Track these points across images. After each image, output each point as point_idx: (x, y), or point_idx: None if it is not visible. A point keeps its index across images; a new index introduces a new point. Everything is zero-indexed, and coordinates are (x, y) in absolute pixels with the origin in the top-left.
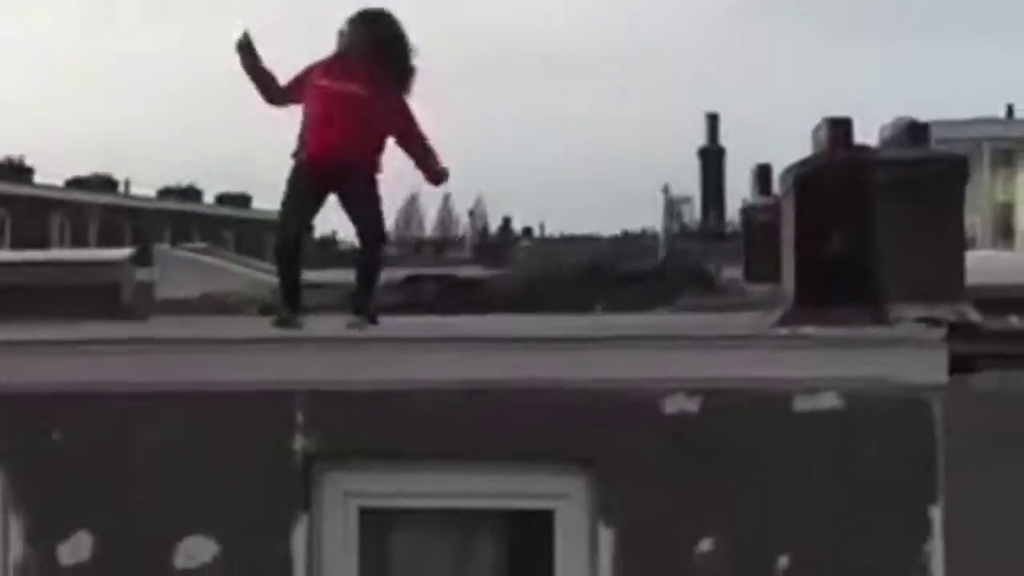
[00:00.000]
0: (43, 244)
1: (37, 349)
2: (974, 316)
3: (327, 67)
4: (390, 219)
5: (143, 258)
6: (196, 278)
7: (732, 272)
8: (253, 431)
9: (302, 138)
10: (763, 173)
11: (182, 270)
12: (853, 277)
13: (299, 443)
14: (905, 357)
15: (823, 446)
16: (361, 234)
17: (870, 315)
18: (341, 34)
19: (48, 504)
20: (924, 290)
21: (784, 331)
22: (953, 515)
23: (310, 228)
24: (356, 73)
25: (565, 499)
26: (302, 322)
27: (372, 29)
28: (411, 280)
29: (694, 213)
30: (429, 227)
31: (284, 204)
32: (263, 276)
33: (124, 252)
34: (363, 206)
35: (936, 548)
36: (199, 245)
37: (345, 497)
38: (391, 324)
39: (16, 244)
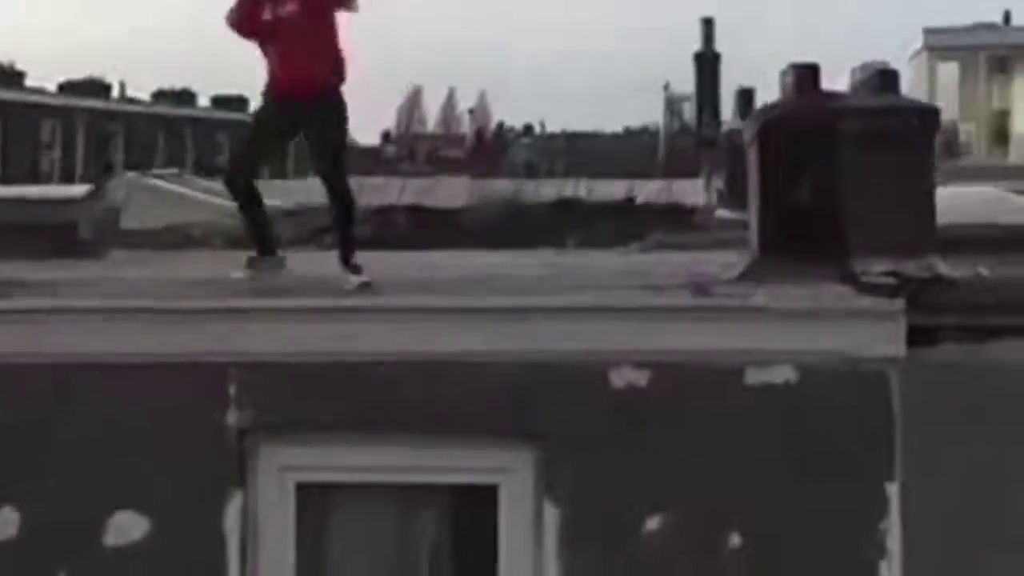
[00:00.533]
0: (34, 150)
1: None
2: (942, 269)
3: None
4: (391, 116)
5: (109, 175)
6: (162, 208)
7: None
8: (184, 404)
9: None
10: (745, 96)
11: (148, 199)
12: (818, 229)
13: (232, 416)
14: (862, 329)
15: (776, 421)
16: (323, 178)
17: (835, 268)
18: None
19: None
20: (891, 243)
21: (736, 303)
22: (911, 492)
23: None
24: None
25: (509, 474)
26: (280, 261)
27: None
28: (380, 212)
29: (694, 111)
30: (431, 123)
31: (247, 144)
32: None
33: (81, 189)
34: (328, 148)
35: (893, 525)
36: (169, 171)
37: (281, 472)
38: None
39: (7, 151)
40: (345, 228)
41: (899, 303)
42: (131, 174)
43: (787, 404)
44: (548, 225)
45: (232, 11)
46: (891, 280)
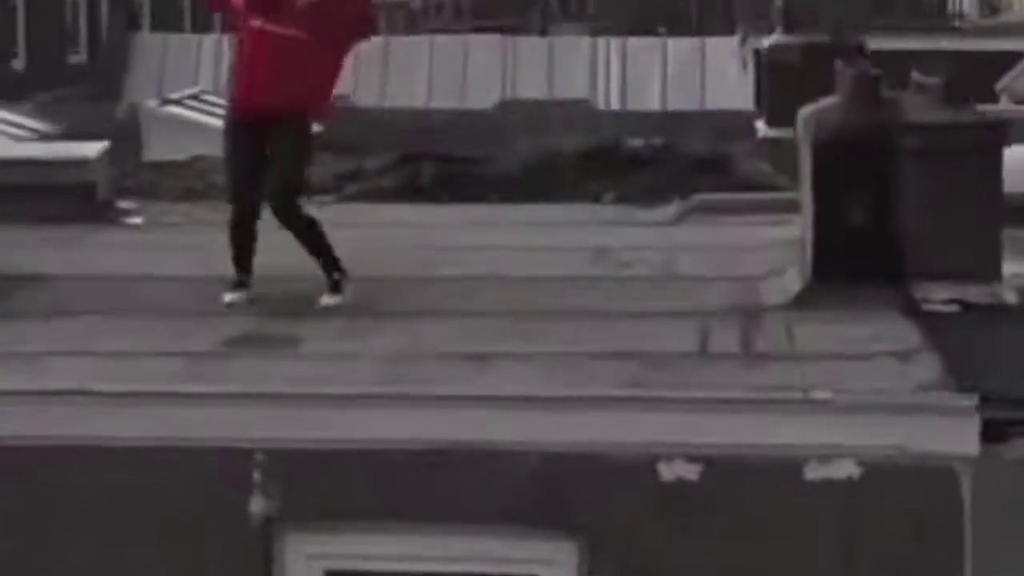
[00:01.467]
0: (58, 19)
1: None
2: (1009, 298)
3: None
4: None
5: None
6: (183, 138)
7: None
8: (207, 491)
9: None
10: (788, 8)
11: (169, 129)
12: (876, 252)
13: (257, 504)
14: (931, 424)
15: (836, 519)
16: (270, 194)
17: (894, 295)
18: None
19: None
20: (954, 268)
21: (797, 395)
22: None
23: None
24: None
25: (550, 566)
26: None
27: None
28: (406, 161)
29: None
30: None
31: (228, 165)
32: None
33: (98, 147)
34: (277, 164)
35: None
36: (188, 93)
37: (308, 560)
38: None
39: (31, 21)
40: (309, 245)
41: (973, 398)
42: (149, 104)
43: (849, 502)
44: (582, 175)
45: None
46: (954, 307)
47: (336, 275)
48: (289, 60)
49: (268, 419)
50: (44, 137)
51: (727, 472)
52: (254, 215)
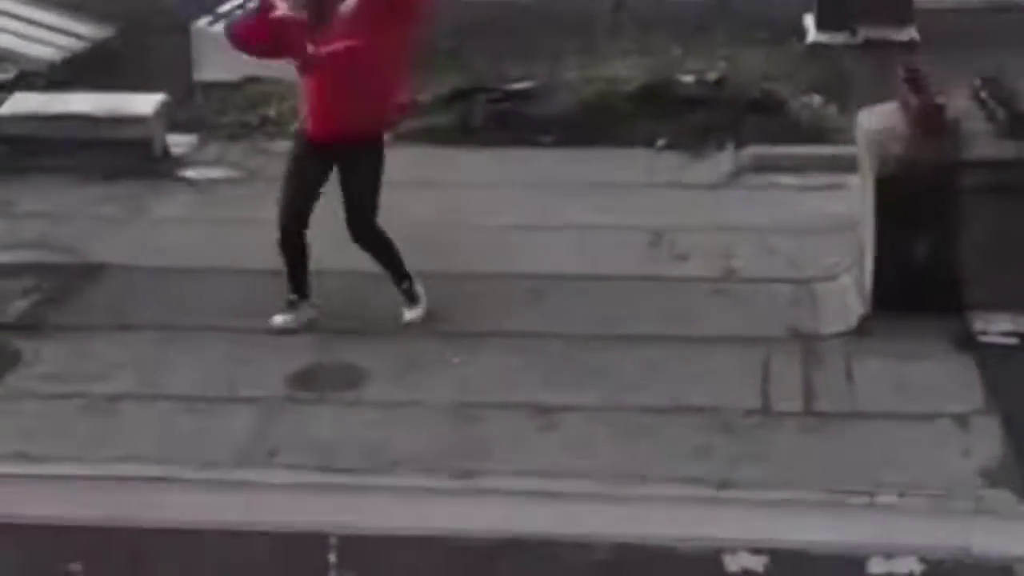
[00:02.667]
0: None
1: (49, 482)
2: None
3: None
4: None
5: None
6: (236, 59)
7: None
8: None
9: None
10: None
11: (220, 49)
12: (936, 285)
13: None
14: (993, 525)
15: None
16: (353, 232)
17: (953, 327)
18: None
19: None
20: (1014, 302)
21: (864, 500)
22: None
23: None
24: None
25: None
26: (314, 309)
27: None
28: (459, 96)
29: None
30: None
31: (288, 179)
32: None
33: (154, 102)
34: (355, 192)
35: None
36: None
37: None
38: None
39: None
40: (385, 262)
41: None
42: (199, 23)
43: None
44: (635, 115)
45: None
46: (1013, 340)
47: (406, 284)
48: (351, 77)
49: (341, 506)
50: (92, 42)
51: (792, 564)
52: (304, 233)
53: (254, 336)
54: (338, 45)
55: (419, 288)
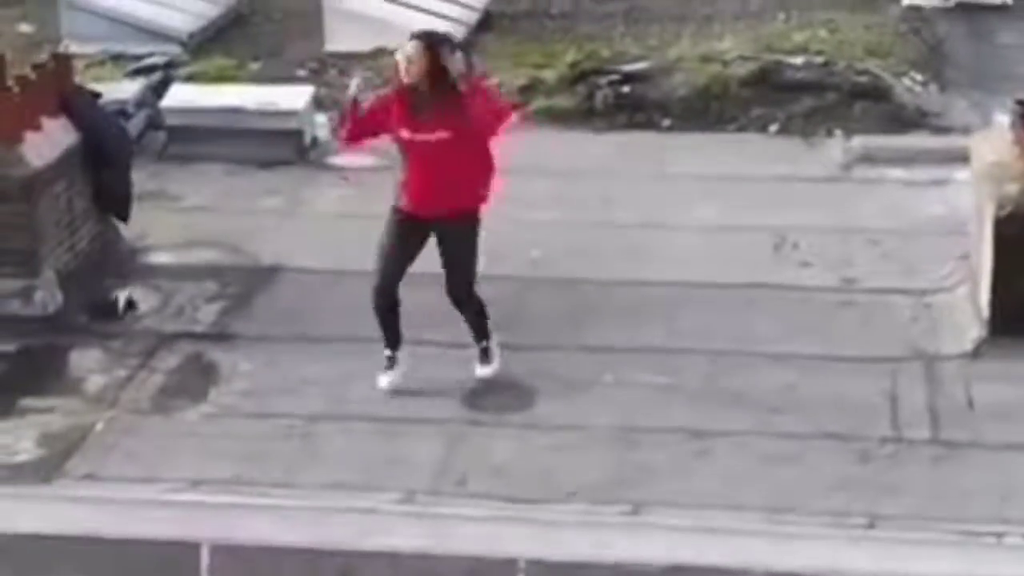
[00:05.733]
0: None
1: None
2: None
3: (403, 110)
4: None
5: None
6: (365, 31)
7: None
8: None
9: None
10: None
11: (351, 21)
12: None
13: None
14: None
15: None
16: (453, 297)
17: None
18: (409, 60)
19: None
20: None
21: (991, 540)
22: None
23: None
24: (437, 115)
25: None
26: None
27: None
28: (580, 78)
29: None
30: None
31: (382, 244)
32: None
33: (305, 96)
34: (458, 264)
35: None
36: None
37: None
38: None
39: None
40: (475, 323)
41: None
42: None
43: None
44: (745, 101)
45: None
46: None
47: (485, 343)
48: (444, 162)
49: (527, 535)
50: (224, 6)
51: None
52: (396, 296)
53: (427, 348)
54: (433, 134)
55: (495, 347)
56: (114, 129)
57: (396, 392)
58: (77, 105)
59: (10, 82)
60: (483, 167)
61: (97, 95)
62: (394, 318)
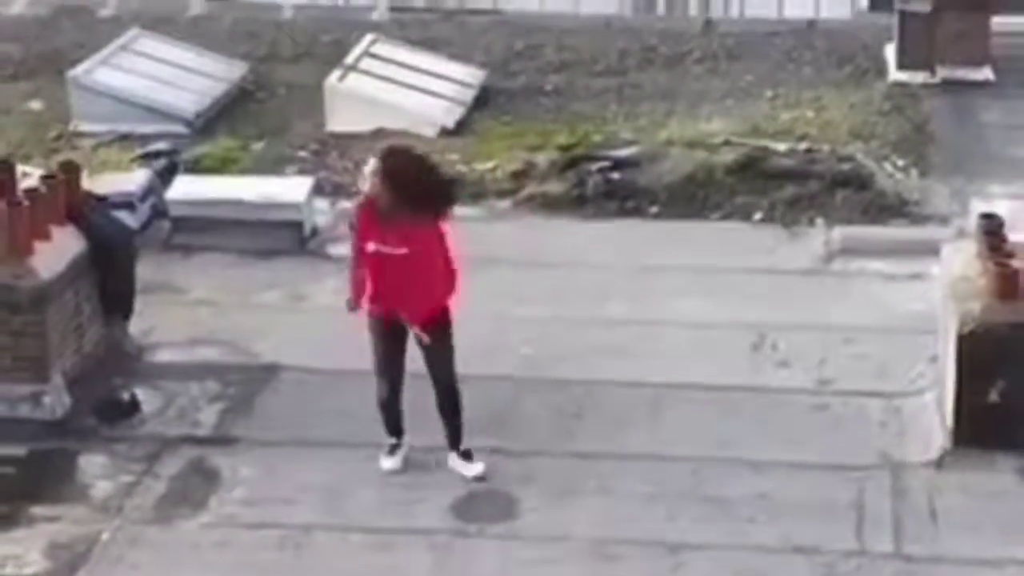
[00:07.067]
0: None
1: None
2: None
3: (369, 222)
4: None
5: None
6: (366, 113)
7: None
8: None
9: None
10: None
11: (350, 103)
12: (1008, 425)
13: None
14: None
15: None
16: (436, 389)
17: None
18: (373, 173)
19: None
20: None
21: None
22: None
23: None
24: (400, 229)
25: None
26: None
27: (397, 173)
28: (573, 164)
29: None
30: None
31: (373, 354)
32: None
33: (304, 188)
34: (436, 358)
35: None
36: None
37: None
38: None
39: None
40: (451, 419)
41: None
42: (331, 80)
43: None
44: (730, 189)
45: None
46: None
47: (464, 446)
48: (408, 274)
49: None
50: (227, 83)
51: None
52: (399, 391)
53: (418, 453)
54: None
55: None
56: (120, 234)
57: (387, 502)
58: (84, 212)
59: (20, 195)
60: (445, 274)
61: (102, 199)
62: (397, 410)
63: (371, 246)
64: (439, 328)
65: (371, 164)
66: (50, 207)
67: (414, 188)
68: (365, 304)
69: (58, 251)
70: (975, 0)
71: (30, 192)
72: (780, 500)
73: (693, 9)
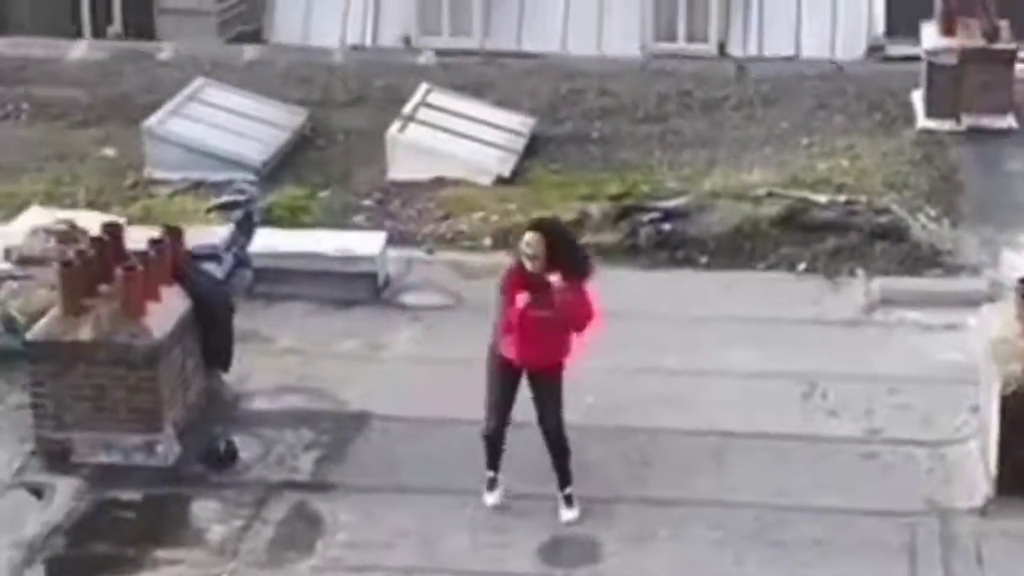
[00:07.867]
0: None
1: None
2: None
3: (517, 287)
4: None
5: None
6: (426, 162)
7: None
8: None
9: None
10: (947, 13)
11: (412, 154)
12: None
13: None
14: None
15: None
16: (546, 431)
17: None
18: (527, 244)
19: None
20: None
21: None
22: None
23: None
24: (550, 297)
25: None
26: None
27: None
28: (625, 215)
29: None
30: None
31: (489, 391)
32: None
33: (379, 242)
34: (549, 404)
35: None
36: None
37: None
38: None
39: None
40: (559, 461)
41: None
42: (392, 131)
43: None
44: (775, 240)
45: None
46: None
47: (569, 490)
48: (544, 332)
49: None
50: (290, 131)
51: None
52: (505, 428)
53: (505, 499)
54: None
55: (574, 500)
56: (218, 292)
57: (478, 546)
58: (187, 272)
59: (133, 259)
60: (567, 340)
61: (196, 256)
62: (500, 446)
63: (520, 303)
64: (554, 377)
65: (528, 235)
66: (159, 269)
67: (568, 252)
68: (502, 348)
69: (167, 311)
70: (999, 54)
71: (142, 255)
72: (836, 544)
73: (712, 38)
